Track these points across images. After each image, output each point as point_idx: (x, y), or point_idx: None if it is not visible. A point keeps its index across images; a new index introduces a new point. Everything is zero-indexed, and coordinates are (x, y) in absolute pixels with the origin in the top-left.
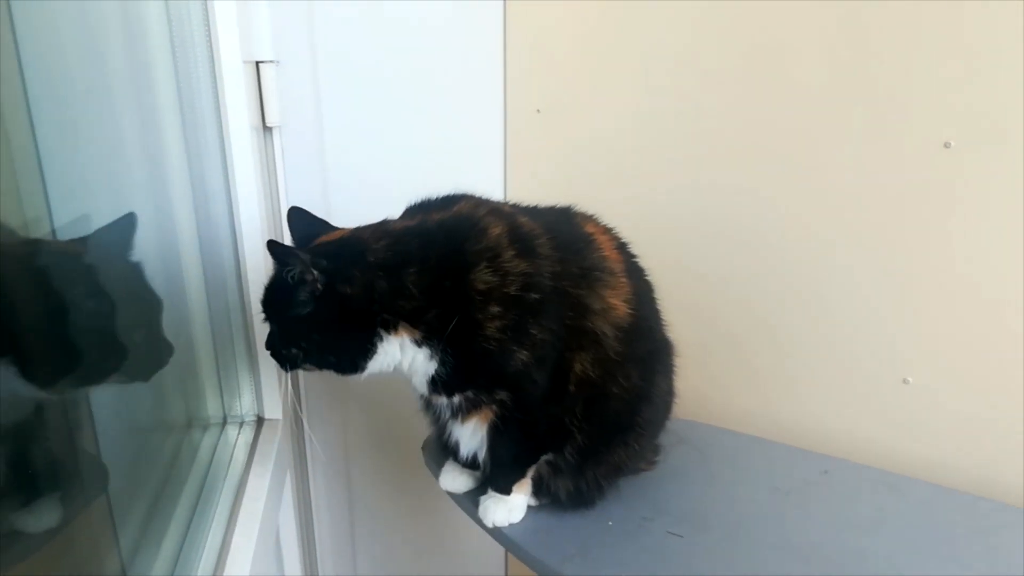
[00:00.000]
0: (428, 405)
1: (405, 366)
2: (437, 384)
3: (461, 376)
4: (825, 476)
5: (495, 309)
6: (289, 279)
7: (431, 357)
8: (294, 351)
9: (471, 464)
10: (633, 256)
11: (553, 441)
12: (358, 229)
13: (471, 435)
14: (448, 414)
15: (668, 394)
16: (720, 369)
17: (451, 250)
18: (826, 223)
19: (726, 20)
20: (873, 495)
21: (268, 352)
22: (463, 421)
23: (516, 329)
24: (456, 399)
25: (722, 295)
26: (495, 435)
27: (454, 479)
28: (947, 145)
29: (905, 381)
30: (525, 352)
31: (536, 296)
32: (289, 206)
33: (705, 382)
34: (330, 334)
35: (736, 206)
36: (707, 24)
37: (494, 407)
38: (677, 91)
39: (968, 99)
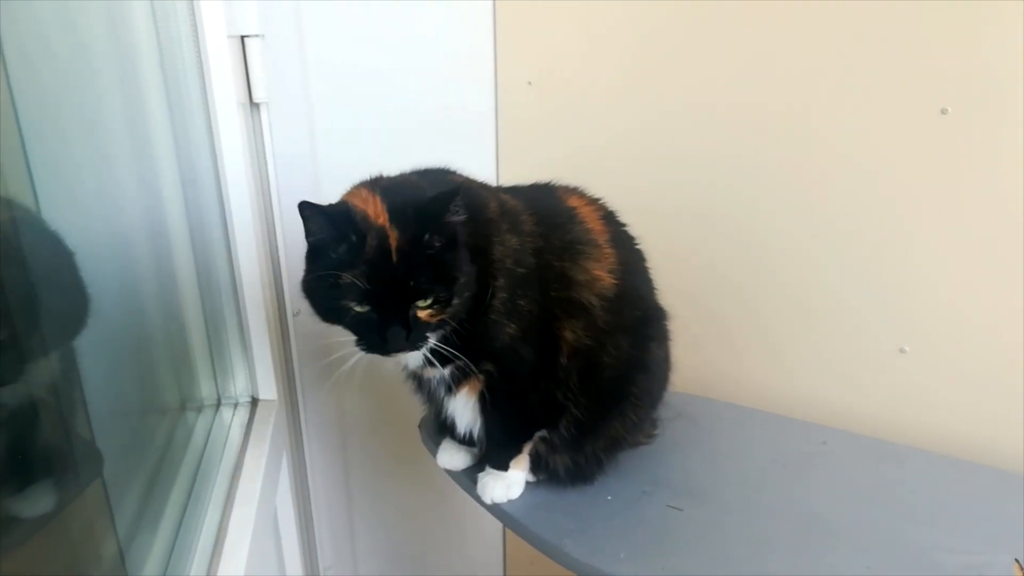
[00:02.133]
0: (420, 384)
1: None
2: (431, 357)
3: (454, 344)
4: (824, 447)
5: (501, 281)
6: (446, 223)
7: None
8: (442, 309)
9: (469, 441)
10: (621, 225)
11: (546, 416)
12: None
13: (464, 406)
14: (443, 391)
15: (664, 362)
16: (717, 343)
17: (474, 213)
18: (823, 192)
19: None
20: (872, 464)
21: (403, 346)
22: (455, 392)
23: (510, 301)
24: (447, 371)
25: (719, 268)
26: (485, 406)
27: (452, 456)
28: (944, 111)
29: (902, 351)
30: (513, 325)
31: (522, 270)
32: (278, 184)
33: (702, 355)
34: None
35: (733, 176)
36: None
37: (481, 377)
38: (669, 62)
39: (965, 65)
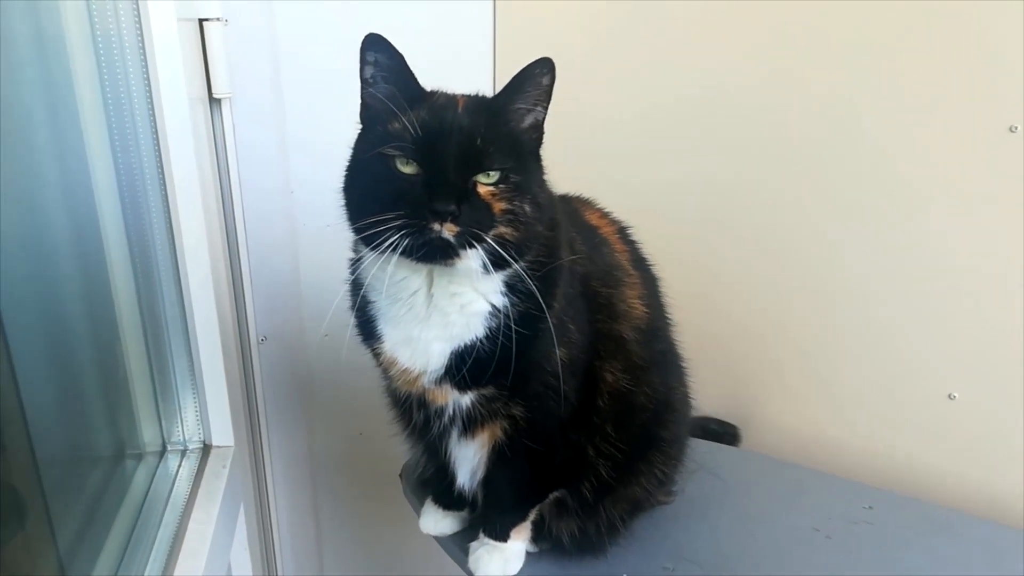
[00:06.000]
0: (424, 425)
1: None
2: (463, 363)
3: (498, 359)
4: (870, 512)
5: (560, 288)
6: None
7: (494, 314)
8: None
9: (456, 503)
10: (636, 243)
11: (569, 476)
12: None
13: (472, 456)
14: (452, 433)
15: (686, 399)
16: (746, 384)
17: None
18: (872, 220)
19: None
20: (924, 536)
21: (452, 213)
22: (471, 437)
23: (563, 317)
24: (467, 400)
25: (749, 299)
26: (498, 462)
27: (437, 522)
28: (1013, 129)
29: (951, 397)
30: (563, 349)
31: (571, 291)
32: (242, 191)
33: (728, 398)
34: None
35: (762, 205)
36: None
37: (504, 424)
38: (676, 83)
39: None
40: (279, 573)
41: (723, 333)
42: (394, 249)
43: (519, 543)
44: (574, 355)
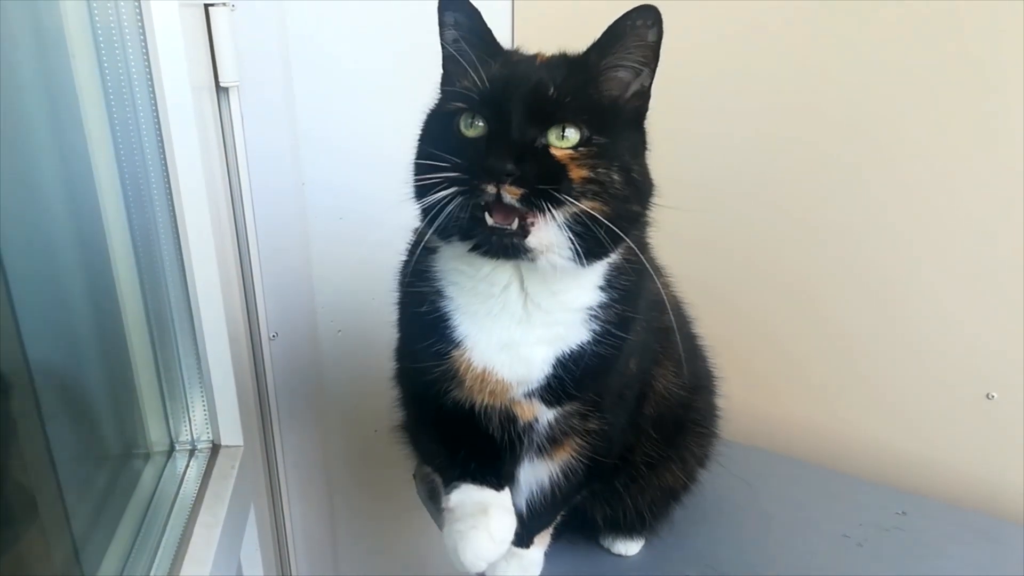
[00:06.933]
0: (508, 446)
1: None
2: (566, 371)
3: (599, 367)
4: (903, 519)
5: (645, 288)
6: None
7: (596, 315)
8: None
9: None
10: None
11: (610, 475)
12: None
13: (540, 476)
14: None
15: (709, 375)
16: (771, 383)
17: None
18: (899, 219)
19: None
20: (961, 544)
21: (511, 173)
22: (547, 457)
23: (640, 324)
24: (551, 416)
25: (772, 293)
26: (561, 480)
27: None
28: None
29: (989, 396)
30: (635, 358)
31: (635, 293)
32: (251, 184)
33: (753, 396)
34: None
35: (792, 197)
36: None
37: (578, 441)
38: (696, 83)
39: None
40: (293, 573)
41: (747, 330)
42: (444, 228)
43: (539, 549)
44: (637, 363)
